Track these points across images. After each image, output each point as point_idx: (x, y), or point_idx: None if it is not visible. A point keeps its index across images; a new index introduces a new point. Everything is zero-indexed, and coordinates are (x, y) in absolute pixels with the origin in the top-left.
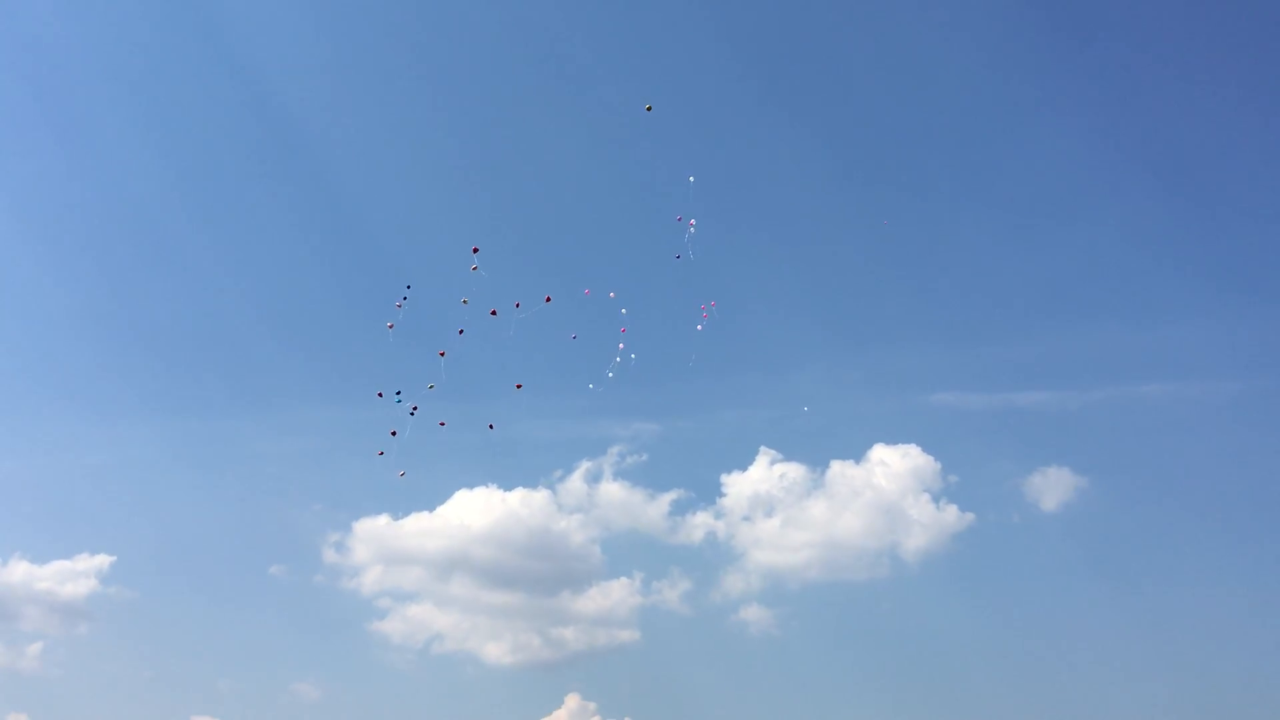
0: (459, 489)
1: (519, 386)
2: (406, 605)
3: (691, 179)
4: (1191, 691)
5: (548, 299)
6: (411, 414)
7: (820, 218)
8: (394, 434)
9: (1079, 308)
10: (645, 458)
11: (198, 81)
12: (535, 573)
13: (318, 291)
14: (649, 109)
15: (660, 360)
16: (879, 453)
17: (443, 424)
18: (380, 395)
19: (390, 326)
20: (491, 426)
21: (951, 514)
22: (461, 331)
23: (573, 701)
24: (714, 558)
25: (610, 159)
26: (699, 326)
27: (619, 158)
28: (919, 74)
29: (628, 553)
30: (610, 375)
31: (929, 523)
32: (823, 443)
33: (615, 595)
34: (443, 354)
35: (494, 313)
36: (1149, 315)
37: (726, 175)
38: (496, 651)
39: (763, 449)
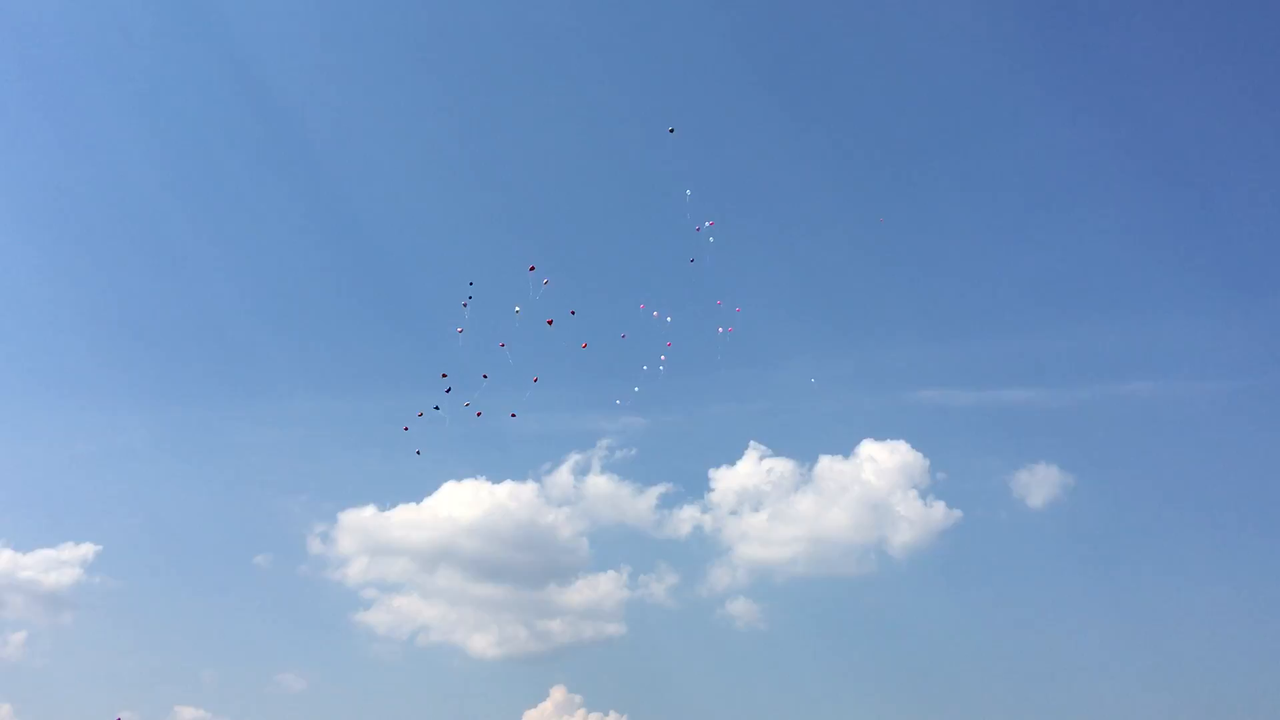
0: (447, 481)
1: (535, 380)
2: (392, 596)
3: (689, 193)
4: (1178, 686)
5: (584, 345)
6: (436, 410)
7: (808, 215)
8: (420, 415)
9: (1065, 305)
10: (634, 451)
11: (190, 72)
12: (522, 565)
13: (305, 282)
14: (671, 130)
15: (649, 354)
16: (868, 448)
17: (480, 414)
18: (445, 375)
19: (460, 331)
20: (514, 415)
21: (939, 510)
22: (503, 345)
23: (559, 694)
24: (701, 552)
25: (606, 155)
26: (724, 329)
27: (615, 153)
28: (909, 73)
29: (615, 546)
30: (637, 390)
31: (916, 519)
32: (811, 438)
33: (602, 588)
34: (485, 376)
35: (550, 322)
36: (1135, 313)
37: (717, 172)
38: (482, 643)
39: (752, 444)
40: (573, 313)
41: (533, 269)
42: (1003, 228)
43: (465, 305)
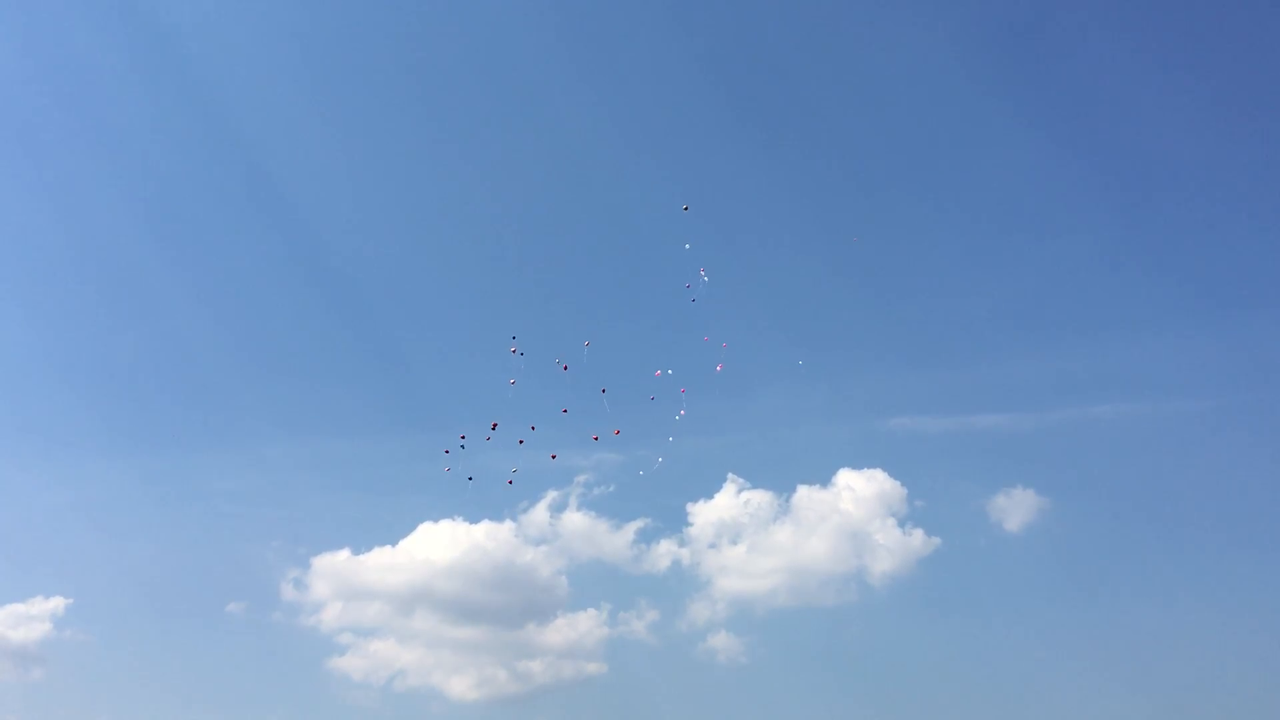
0: (423, 522)
1: (564, 411)
2: (368, 641)
3: (688, 246)
4: (1158, 707)
5: (617, 432)
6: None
7: (780, 245)
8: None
9: (1035, 329)
10: (611, 487)
11: (160, 115)
12: (500, 605)
13: (273, 323)
14: (685, 209)
15: (623, 389)
16: (845, 477)
17: (510, 483)
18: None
19: (512, 382)
20: (554, 456)
21: (918, 538)
22: (533, 428)
23: None
24: (680, 586)
25: (581, 178)
26: (719, 366)
27: (589, 177)
28: (879, 100)
29: (594, 583)
30: (660, 461)
31: (895, 547)
32: (788, 468)
33: (582, 627)
34: (522, 442)
35: (596, 438)
36: (1104, 335)
37: (690, 203)
38: (461, 686)
39: (730, 476)
40: (604, 390)
41: (515, 350)
42: (969, 253)
43: (518, 351)
